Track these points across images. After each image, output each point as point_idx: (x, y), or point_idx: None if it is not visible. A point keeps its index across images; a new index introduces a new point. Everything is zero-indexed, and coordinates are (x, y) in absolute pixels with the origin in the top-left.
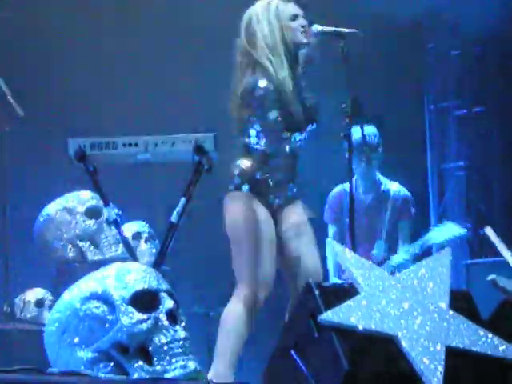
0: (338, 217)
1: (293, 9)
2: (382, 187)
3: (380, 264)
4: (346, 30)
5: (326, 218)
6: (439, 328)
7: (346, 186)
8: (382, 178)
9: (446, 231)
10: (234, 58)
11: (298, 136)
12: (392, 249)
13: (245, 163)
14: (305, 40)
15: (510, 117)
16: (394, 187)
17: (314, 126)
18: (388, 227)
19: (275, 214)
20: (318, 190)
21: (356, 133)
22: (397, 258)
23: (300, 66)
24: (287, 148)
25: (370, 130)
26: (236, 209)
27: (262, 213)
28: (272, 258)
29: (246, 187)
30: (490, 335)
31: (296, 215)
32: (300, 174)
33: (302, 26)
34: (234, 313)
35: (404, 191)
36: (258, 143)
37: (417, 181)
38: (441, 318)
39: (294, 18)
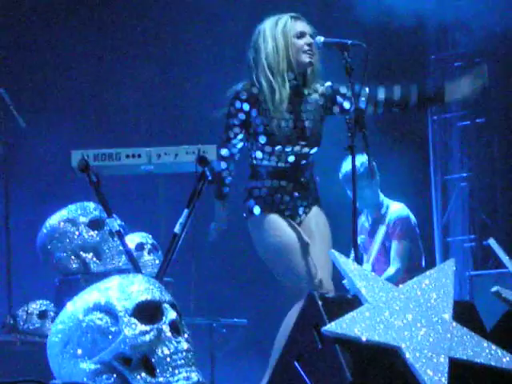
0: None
1: (301, 26)
2: (382, 210)
3: None
4: (350, 42)
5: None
6: (443, 339)
7: (361, 218)
8: (386, 201)
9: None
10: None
11: (287, 148)
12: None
13: (251, 184)
14: (307, 60)
15: (511, 126)
16: (393, 208)
17: (315, 149)
18: (380, 249)
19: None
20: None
21: (349, 165)
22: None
23: (308, 84)
24: (285, 161)
25: (361, 159)
26: (258, 235)
27: (284, 224)
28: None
29: (257, 209)
30: (493, 347)
31: (311, 225)
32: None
33: (308, 45)
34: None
35: (400, 213)
36: (257, 161)
37: (420, 192)
38: (444, 330)
39: (301, 35)
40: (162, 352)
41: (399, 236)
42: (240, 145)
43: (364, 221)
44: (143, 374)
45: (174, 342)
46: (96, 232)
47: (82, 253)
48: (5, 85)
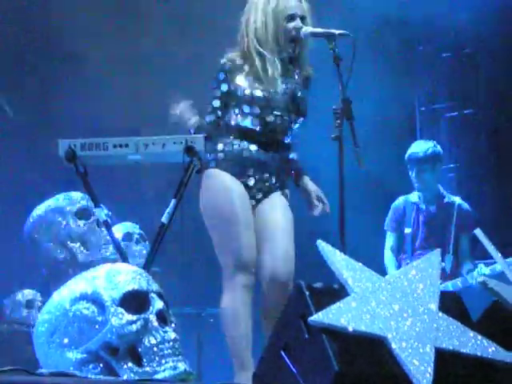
0: (399, 226)
1: (292, 7)
2: (446, 199)
3: (447, 279)
4: (337, 32)
5: (387, 226)
6: (429, 329)
7: (410, 197)
8: (445, 191)
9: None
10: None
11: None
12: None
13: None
14: (293, 45)
15: (499, 118)
16: (458, 200)
17: (301, 118)
18: (454, 240)
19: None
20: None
21: (417, 147)
22: (470, 279)
23: (295, 63)
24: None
25: (425, 145)
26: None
27: (240, 193)
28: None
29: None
30: (479, 337)
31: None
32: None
33: (296, 30)
34: (232, 302)
35: (467, 206)
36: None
37: (407, 183)
38: (430, 320)
39: (291, 18)
40: (149, 342)
41: (470, 232)
42: (224, 113)
43: (418, 202)
44: (130, 364)
45: (160, 331)
46: (83, 222)
47: (69, 242)
48: None
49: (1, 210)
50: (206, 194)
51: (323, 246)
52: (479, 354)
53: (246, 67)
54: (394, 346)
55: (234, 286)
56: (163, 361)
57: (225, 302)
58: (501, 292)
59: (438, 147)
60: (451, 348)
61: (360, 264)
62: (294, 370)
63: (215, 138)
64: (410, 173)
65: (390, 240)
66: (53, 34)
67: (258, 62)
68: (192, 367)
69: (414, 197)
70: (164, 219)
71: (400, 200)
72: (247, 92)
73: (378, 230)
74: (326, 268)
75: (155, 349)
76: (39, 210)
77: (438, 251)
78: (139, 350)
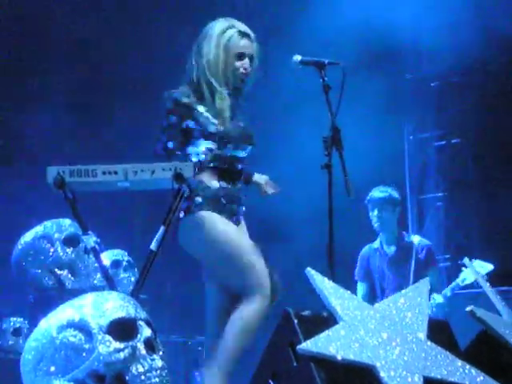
0: (367, 275)
1: (243, 46)
2: (405, 239)
3: None
4: (326, 61)
5: (357, 275)
6: (417, 358)
7: (373, 244)
8: (404, 232)
9: (476, 269)
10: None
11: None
12: None
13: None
14: (237, 84)
15: (486, 147)
16: (416, 239)
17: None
18: (414, 278)
19: None
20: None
21: (378, 191)
22: (432, 300)
23: (240, 95)
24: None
25: (386, 189)
26: (199, 233)
27: (230, 224)
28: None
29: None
30: (467, 366)
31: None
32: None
33: (244, 68)
34: (256, 312)
35: (426, 242)
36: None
37: None
38: (419, 349)
39: (240, 56)
40: (137, 370)
41: (435, 263)
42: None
43: (379, 247)
44: None
45: (148, 359)
46: (71, 249)
47: (56, 270)
48: None
49: None
50: (204, 231)
51: (312, 274)
52: (467, 383)
53: (198, 101)
54: (382, 374)
55: (259, 301)
56: None
57: (246, 312)
58: (488, 321)
59: (396, 193)
60: (439, 377)
61: (349, 292)
62: None
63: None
64: (371, 213)
65: (360, 290)
66: None
67: (206, 92)
68: None
69: (377, 243)
70: (153, 246)
71: (365, 248)
72: (205, 126)
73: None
74: (315, 296)
75: (143, 377)
76: (27, 236)
77: (426, 280)
78: (126, 378)
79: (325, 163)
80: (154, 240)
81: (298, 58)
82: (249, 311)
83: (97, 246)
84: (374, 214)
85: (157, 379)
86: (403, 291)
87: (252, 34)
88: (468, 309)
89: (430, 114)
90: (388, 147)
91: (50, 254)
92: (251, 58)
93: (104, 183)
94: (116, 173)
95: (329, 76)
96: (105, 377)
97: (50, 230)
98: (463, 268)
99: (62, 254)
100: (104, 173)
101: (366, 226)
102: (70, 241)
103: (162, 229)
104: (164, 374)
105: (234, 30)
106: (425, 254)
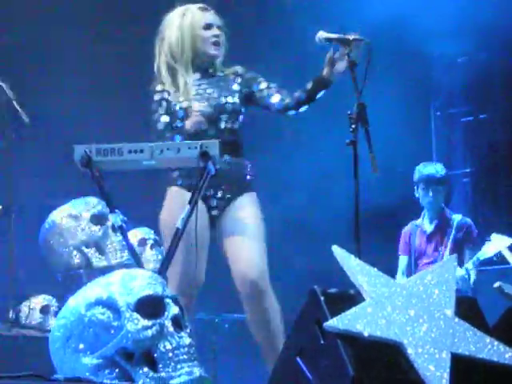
0: (409, 249)
1: (208, 18)
2: (447, 215)
3: None
4: (352, 37)
5: (400, 249)
6: (445, 335)
7: (417, 221)
8: (447, 210)
9: (496, 244)
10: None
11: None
12: None
13: None
14: (213, 52)
15: None
16: (458, 217)
17: (236, 124)
18: (450, 253)
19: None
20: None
21: (431, 169)
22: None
23: (217, 69)
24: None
25: (438, 167)
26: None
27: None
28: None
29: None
30: (495, 342)
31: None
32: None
33: (215, 36)
34: None
35: (467, 220)
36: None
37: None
38: (446, 325)
39: (208, 27)
40: (164, 347)
41: (472, 242)
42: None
43: (421, 223)
44: (145, 369)
45: (176, 336)
46: (98, 227)
47: (84, 248)
48: (7, 79)
49: (16, 216)
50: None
51: (338, 252)
52: (496, 359)
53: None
54: (409, 351)
55: None
56: (178, 366)
57: None
58: None
59: (445, 171)
60: (467, 353)
61: (375, 269)
62: (309, 375)
63: None
64: (419, 191)
65: (402, 263)
66: None
67: (166, 75)
68: (207, 372)
69: (419, 220)
70: (179, 224)
71: (408, 225)
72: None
73: (393, 252)
74: (341, 274)
75: (170, 354)
76: (55, 215)
77: (453, 256)
78: (155, 355)
79: (350, 140)
80: (180, 218)
81: (322, 34)
82: None
83: (124, 225)
84: (424, 193)
85: (185, 356)
86: (430, 268)
87: (212, 9)
88: (496, 285)
89: (457, 90)
90: (415, 123)
91: (78, 232)
92: (219, 28)
93: (130, 162)
94: (142, 151)
95: (354, 52)
96: (133, 354)
97: (78, 209)
98: (486, 241)
99: (89, 232)
100: (130, 151)
101: (389, 202)
102: (98, 219)
103: (188, 207)
104: (192, 351)
105: (193, 8)
106: (464, 232)
